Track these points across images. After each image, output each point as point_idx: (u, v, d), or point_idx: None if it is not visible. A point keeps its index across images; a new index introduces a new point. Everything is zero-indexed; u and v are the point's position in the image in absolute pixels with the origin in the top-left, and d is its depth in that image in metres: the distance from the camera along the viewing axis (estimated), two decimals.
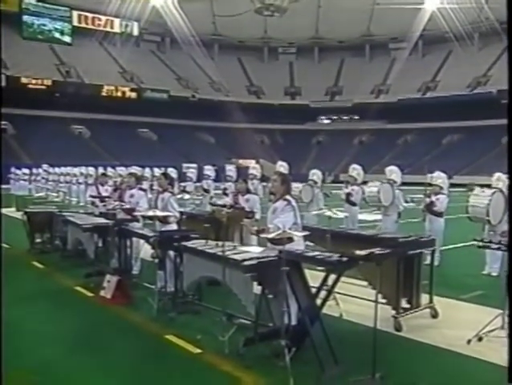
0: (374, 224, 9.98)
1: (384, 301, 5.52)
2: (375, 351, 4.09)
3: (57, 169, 26.98)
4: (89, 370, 4.50)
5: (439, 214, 8.95)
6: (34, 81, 47.79)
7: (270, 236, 4.65)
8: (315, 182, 11.72)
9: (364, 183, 10.69)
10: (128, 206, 7.91)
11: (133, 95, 53.73)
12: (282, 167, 12.43)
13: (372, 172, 40.20)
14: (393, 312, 5.58)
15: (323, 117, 63.10)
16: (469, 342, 4.99)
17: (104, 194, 10.01)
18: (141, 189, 16.24)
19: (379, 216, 9.69)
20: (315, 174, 11.94)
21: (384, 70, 61.25)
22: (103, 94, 51.73)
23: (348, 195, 10.58)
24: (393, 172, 9.60)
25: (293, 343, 4.41)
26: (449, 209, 9.16)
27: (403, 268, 5.58)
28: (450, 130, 52.37)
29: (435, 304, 6.00)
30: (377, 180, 10.05)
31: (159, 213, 6.48)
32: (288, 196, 5.27)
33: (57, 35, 55.47)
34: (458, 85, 51.60)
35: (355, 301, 6.26)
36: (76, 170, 24.02)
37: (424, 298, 5.98)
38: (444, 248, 9.20)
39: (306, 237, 5.36)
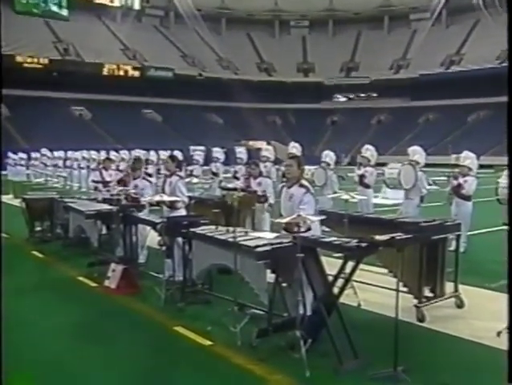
0: (394, 208, 9.93)
1: (405, 289, 5.50)
2: (396, 343, 4.08)
3: (56, 153, 27.15)
4: (94, 364, 4.55)
5: (467, 197, 8.87)
6: (29, 60, 47.71)
7: (285, 220, 4.64)
8: (328, 164, 11.64)
9: (381, 165, 10.59)
10: (133, 191, 7.93)
11: (136, 73, 53.72)
12: (295, 148, 12.35)
13: (391, 153, 39.98)
14: (415, 301, 5.56)
15: (339, 95, 62.60)
16: (498, 334, 4.91)
17: (108, 179, 10.05)
18: (147, 175, 16.36)
19: (399, 200, 9.62)
20: (328, 155, 11.86)
21: (403, 44, 60.45)
22: (104, 73, 51.80)
23: (361, 177, 10.50)
24: (416, 152, 9.48)
25: (309, 334, 4.42)
26: (476, 192, 9.07)
27: (426, 254, 5.55)
28: (477, 107, 51.64)
29: (461, 293, 5.97)
30: (398, 161, 9.95)
31: (166, 198, 6.48)
32: (304, 182, 5.26)
33: (54, 8, 55.25)
34: (486, 58, 50.68)
35: (374, 290, 6.25)
36: (77, 154, 24.16)
37: (449, 287, 5.94)
38: (471, 233, 9.13)
39: (321, 222, 5.35)
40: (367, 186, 10.45)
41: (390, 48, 58.71)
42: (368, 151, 10.82)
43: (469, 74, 50.66)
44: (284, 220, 4.67)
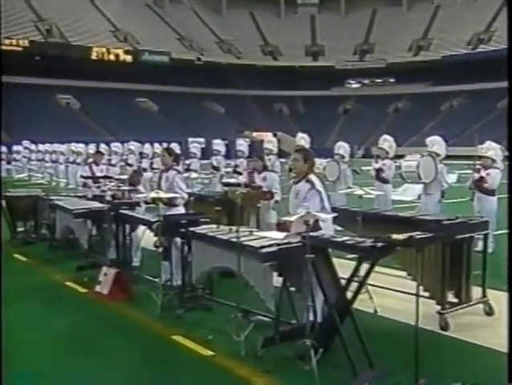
0: (412, 204, 9.93)
1: (426, 294, 5.51)
2: (417, 353, 4.07)
3: (41, 146, 27.24)
4: (85, 378, 4.56)
5: (490, 192, 8.84)
6: (7, 41, 46.58)
7: (292, 218, 4.66)
8: (342, 157, 11.66)
9: (399, 157, 10.59)
10: (125, 187, 7.98)
11: (128, 58, 53.80)
12: (303, 139, 12.36)
13: (410, 144, 39.87)
14: (438, 307, 5.56)
15: (352, 81, 62.53)
16: None
17: (99, 174, 10.09)
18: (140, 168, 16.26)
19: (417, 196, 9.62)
20: (342, 147, 11.87)
21: (424, 22, 60.17)
22: (93, 57, 51.84)
23: (379, 171, 10.49)
24: (435, 142, 9.46)
25: (320, 343, 4.44)
26: (502, 186, 9.04)
27: (449, 255, 5.54)
28: (507, 91, 51.30)
29: (489, 298, 5.95)
30: (416, 153, 9.95)
31: (163, 195, 6.51)
32: (311, 177, 5.28)
33: None
34: None
35: (391, 295, 6.27)
36: (64, 147, 24.24)
37: (476, 292, 5.93)
38: (499, 232, 9.10)
39: (333, 221, 5.37)
40: (385, 181, 10.45)
41: (409, 27, 58.50)
42: (386, 142, 10.81)
43: (499, 55, 50.16)
44: (292, 219, 4.69)
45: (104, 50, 52.86)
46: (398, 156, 10.94)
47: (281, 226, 5.28)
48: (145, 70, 52.10)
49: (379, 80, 61.31)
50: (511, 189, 4.51)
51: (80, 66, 48.03)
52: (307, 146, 11.55)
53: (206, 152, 17.62)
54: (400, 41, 57.84)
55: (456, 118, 50.04)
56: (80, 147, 22.49)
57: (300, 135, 12.81)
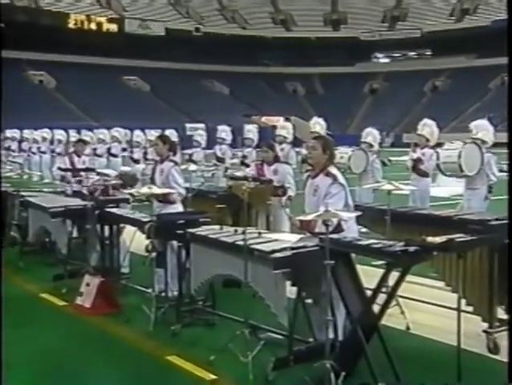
0: (453, 201, 9.90)
1: (469, 309, 5.50)
2: (460, 379, 4.08)
3: (8, 133, 27.17)
4: None
5: None
6: None
7: (308, 218, 4.69)
8: (371, 145, 11.66)
9: (439, 145, 10.56)
10: (114, 182, 8.03)
11: (113, 27, 53.94)
12: (318, 125, 12.38)
13: (450, 129, 39.80)
14: (485, 325, 5.54)
15: (380, 54, 62.37)
16: None
17: (80, 166, 10.13)
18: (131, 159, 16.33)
19: (459, 191, 9.59)
20: (370, 134, 11.86)
21: None
22: (71, 26, 51.80)
23: (417, 162, 10.47)
24: (482, 127, 9.42)
25: (341, 366, 4.45)
26: None
27: (497, 262, 5.52)
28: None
29: None
30: (457, 140, 9.91)
31: (157, 190, 6.54)
32: (332, 169, 5.31)
33: None
34: None
35: (427, 309, 6.28)
36: (37, 133, 24.29)
37: None
38: None
39: (357, 221, 5.39)
40: (423, 174, 10.42)
41: None
42: (426, 127, 10.76)
43: None
44: (306, 218, 4.71)
45: (84, 17, 52.86)
46: (437, 145, 10.90)
47: (304, 225, 5.28)
48: (133, 43, 52.23)
49: (413, 53, 61.11)
50: (511, 189, 4.55)
51: (55, 37, 47.98)
52: (323, 133, 11.58)
53: (208, 140, 17.61)
54: (439, 5, 57.51)
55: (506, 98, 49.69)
56: (58, 133, 22.51)
57: (315, 119, 12.84)
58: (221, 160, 15.74)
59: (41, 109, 40.72)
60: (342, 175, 5.40)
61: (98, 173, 9.26)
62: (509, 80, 3.60)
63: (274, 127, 16.29)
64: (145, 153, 16.67)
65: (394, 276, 4.65)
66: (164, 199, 6.91)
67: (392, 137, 41.87)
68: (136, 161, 17.07)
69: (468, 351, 4.64)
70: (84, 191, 7.89)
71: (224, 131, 16.52)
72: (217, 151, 16.11)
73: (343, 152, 10.79)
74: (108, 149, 19.23)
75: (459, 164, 8.93)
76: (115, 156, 18.87)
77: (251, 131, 14.72)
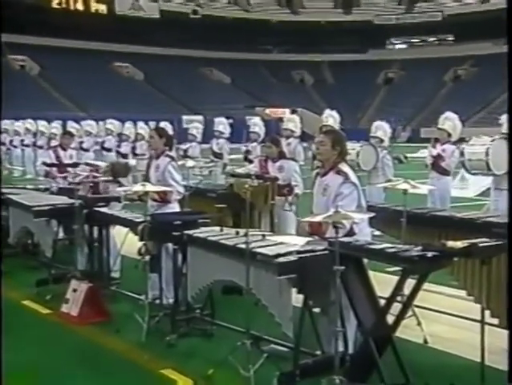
0: (478, 202, 9.89)
1: (494, 321, 5.49)
2: None
3: None
4: None
5: None
6: None
7: (316, 220, 4.69)
8: (381, 140, 11.68)
9: (461, 140, 10.55)
10: (104, 178, 8.03)
11: (102, 8, 53.84)
12: (331, 118, 12.37)
13: (475, 123, 39.75)
14: None
15: (396, 40, 62.32)
16: None
17: (67, 161, 10.15)
18: (119, 153, 16.36)
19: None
20: (380, 128, 11.89)
21: None
22: (55, 5, 51.65)
23: (437, 158, 10.46)
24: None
25: (352, 381, 4.47)
26: None
27: None
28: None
29: None
30: (483, 135, 9.89)
31: (152, 188, 6.55)
32: (343, 167, 5.31)
33: None
34: None
35: (446, 321, 6.28)
36: (20, 124, 24.32)
37: None
38: None
39: (370, 222, 5.39)
40: (444, 171, 10.41)
41: None
42: (448, 121, 10.73)
43: None
44: (315, 220, 4.71)
45: None
46: (459, 140, 10.89)
47: (314, 230, 5.28)
48: (125, 26, 52.19)
49: (434, 39, 60.96)
50: (511, 187, 4.55)
51: (38, 18, 47.82)
52: (336, 127, 11.58)
53: (206, 134, 17.61)
54: None
55: None
56: (41, 124, 22.52)
57: (328, 112, 12.82)
58: (218, 155, 15.72)
59: (22, 98, 40.60)
60: (354, 173, 5.39)
61: (87, 164, 9.27)
62: (509, 80, 3.58)
63: (280, 119, 16.32)
64: (134, 148, 16.70)
65: (410, 284, 4.64)
66: (160, 198, 6.92)
67: (408, 132, 41.88)
68: (124, 156, 17.08)
69: (492, 368, 4.62)
70: (79, 188, 7.88)
71: (221, 124, 16.45)
72: (213, 145, 16.08)
73: (350, 148, 10.77)
74: (101, 143, 19.21)
75: (486, 162, 8.91)
76: (108, 150, 18.72)
77: (257, 124, 14.71)
